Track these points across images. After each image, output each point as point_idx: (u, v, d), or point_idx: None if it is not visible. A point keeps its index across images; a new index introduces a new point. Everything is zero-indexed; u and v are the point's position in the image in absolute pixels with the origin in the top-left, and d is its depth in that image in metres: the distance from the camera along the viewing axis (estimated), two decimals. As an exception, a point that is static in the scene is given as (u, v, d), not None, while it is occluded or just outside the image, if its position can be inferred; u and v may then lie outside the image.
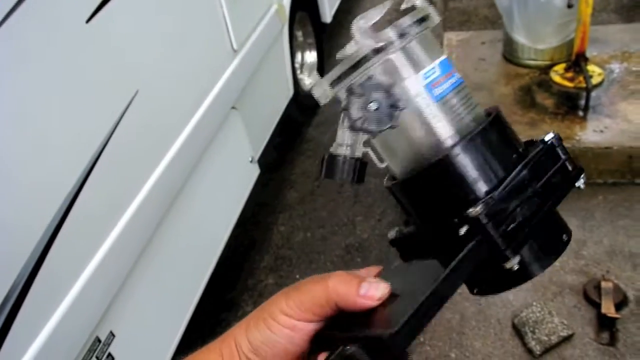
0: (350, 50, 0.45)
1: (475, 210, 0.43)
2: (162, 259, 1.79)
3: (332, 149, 0.47)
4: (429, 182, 0.46)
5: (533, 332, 2.05)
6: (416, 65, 0.46)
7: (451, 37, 3.72)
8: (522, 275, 0.46)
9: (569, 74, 2.96)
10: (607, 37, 3.31)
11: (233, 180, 2.40)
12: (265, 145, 2.73)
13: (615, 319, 2.05)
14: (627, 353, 1.97)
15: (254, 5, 2.59)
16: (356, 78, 0.45)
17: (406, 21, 0.46)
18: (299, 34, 3.47)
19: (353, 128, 0.45)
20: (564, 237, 0.49)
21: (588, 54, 2.91)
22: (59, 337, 1.31)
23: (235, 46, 2.29)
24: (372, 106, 0.44)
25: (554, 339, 2.02)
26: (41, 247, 1.28)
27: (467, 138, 0.45)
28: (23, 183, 1.27)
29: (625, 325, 2.05)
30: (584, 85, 2.84)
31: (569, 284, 2.24)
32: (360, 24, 0.45)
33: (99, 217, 1.50)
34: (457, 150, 0.45)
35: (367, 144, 0.47)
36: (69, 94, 1.43)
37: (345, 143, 0.46)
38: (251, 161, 2.49)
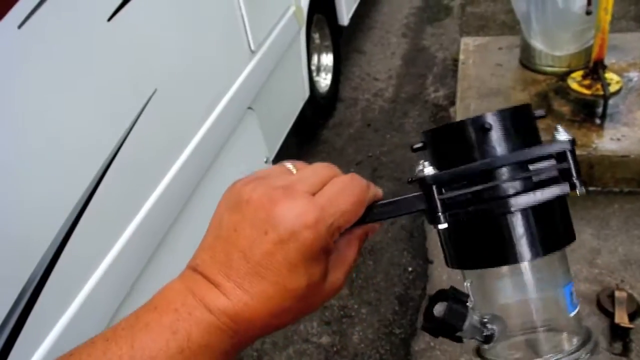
0: None
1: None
2: (174, 260, 1.80)
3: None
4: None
5: (544, 340, 2.04)
6: None
7: (468, 42, 3.71)
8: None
9: (587, 81, 2.93)
10: (625, 44, 3.28)
11: (248, 180, 2.40)
12: (280, 146, 2.74)
13: (629, 329, 2.03)
14: (640, 364, 1.95)
15: (272, 7, 2.60)
16: None
17: None
18: (316, 36, 3.47)
19: None
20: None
21: (606, 62, 2.88)
22: (70, 335, 1.32)
23: (253, 47, 2.31)
24: None
25: (566, 347, 2.01)
26: (55, 245, 1.29)
27: None
28: (41, 179, 1.29)
29: (638, 335, 2.04)
30: (601, 92, 2.82)
31: (582, 292, 2.22)
32: None
33: (114, 216, 1.52)
34: None
35: None
36: (90, 91, 1.45)
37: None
38: (266, 162, 2.50)
